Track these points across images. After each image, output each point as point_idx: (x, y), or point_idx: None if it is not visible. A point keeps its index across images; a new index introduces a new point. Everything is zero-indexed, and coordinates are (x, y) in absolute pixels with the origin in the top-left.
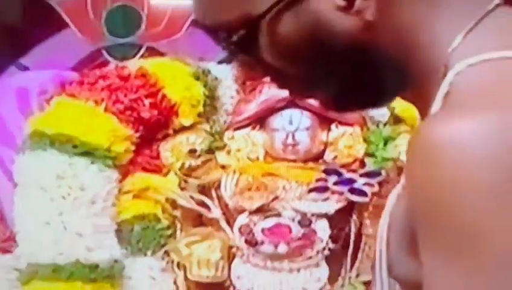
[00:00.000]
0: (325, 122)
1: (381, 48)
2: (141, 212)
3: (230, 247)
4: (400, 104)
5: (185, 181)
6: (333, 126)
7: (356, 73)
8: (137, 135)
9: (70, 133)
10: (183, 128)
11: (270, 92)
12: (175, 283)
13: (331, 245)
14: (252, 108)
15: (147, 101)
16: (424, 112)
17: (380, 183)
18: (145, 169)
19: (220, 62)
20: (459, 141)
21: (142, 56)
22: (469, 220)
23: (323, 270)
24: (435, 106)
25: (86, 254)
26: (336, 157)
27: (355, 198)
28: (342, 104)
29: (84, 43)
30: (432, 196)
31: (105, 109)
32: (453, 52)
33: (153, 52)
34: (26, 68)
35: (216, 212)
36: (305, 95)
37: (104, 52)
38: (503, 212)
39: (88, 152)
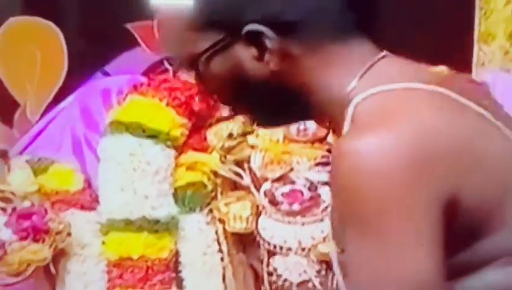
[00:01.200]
0: None
1: (286, 88)
2: (192, 181)
3: (258, 206)
4: None
5: (225, 157)
6: None
7: (267, 103)
8: (190, 123)
9: (140, 122)
10: (223, 118)
11: None
12: (216, 233)
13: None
14: None
15: (197, 98)
16: (338, 131)
17: None
18: (195, 149)
19: None
20: (360, 152)
21: None
22: (369, 208)
23: (326, 224)
24: (346, 128)
25: (151, 211)
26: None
27: None
28: (261, 122)
29: (150, 56)
30: (347, 193)
31: (167, 104)
32: (351, 91)
33: None
34: (108, 74)
35: (247, 180)
36: (236, 112)
37: (165, 62)
38: (388, 201)
39: (153, 136)
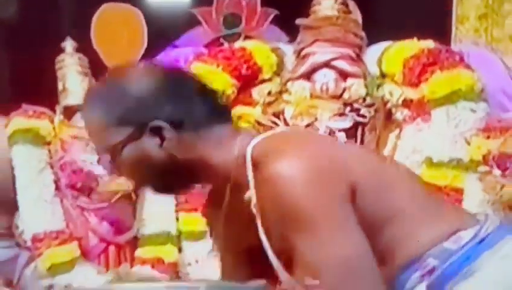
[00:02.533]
0: (343, 76)
1: (183, 164)
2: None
3: None
4: (385, 64)
5: (265, 110)
6: (348, 78)
7: (167, 177)
8: (239, 84)
9: None
10: (264, 80)
11: (312, 60)
12: None
13: None
14: (303, 69)
15: (245, 65)
16: (234, 185)
17: (374, 110)
18: (242, 103)
19: (286, 43)
20: (278, 173)
21: (243, 40)
22: (294, 209)
23: None
24: (248, 170)
25: None
26: (349, 96)
27: (359, 119)
28: (161, 192)
29: (210, 33)
30: (279, 206)
31: (222, 70)
32: (239, 153)
33: (248, 37)
34: (177, 47)
35: (282, 128)
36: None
37: (222, 39)
38: (307, 201)
39: None
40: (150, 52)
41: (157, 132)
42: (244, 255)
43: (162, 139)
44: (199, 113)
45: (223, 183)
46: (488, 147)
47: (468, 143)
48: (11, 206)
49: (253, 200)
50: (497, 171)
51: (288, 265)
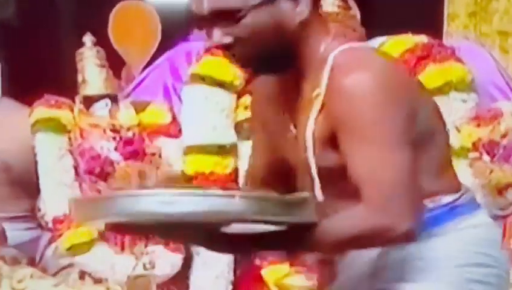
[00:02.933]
0: None
1: (298, 40)
2: (248, 117)
3: None
4: (385, 45)
5: None
6: None
7: (279, 52)
8: (247, 74)
9: (212, 74)
10: None
11: None
12: None
13: None
14: None
15: None
16: (308, 74)
17: None
18: (250, 93)
19: None
20: (359, 81)
21: None
22: (363, 117)
23: None
24: (325, 73)
25: (218, 139)
26: None
27: None
28: (261, 71)
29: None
30: (354, 109)
31: (229, 62)
32: (326, 47)
33: None
34: (189, 40)
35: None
36: (250, 68)
37: None
38: (376, 114)
39: (221, 84)
40: (163, 46)
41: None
42: (279, 164)
43: (296, 4)
44: None
45: (297, 69)
46: (478, 135)
47: (459, 131)
48: (33, 190)
49: (320, 102)
50: (486, 157)
51: (324, 185)
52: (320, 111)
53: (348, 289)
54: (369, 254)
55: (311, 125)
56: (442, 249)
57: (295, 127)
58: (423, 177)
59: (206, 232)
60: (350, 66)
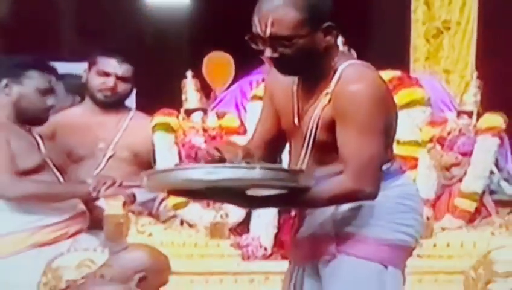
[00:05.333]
0: None
1: (321, 57)
2: None
3: None
4: None
5: None
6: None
7: (310, 64)
8: None
9: (260, 95)
10: None
11: None
12: None
13: None
14: None
15: None
16: (319, 81)
17: None
18: None
19: None
20: (364, 90)
21: None
22: (363, 114)
23: None
24: (334, 80)
25: None
26: None
27: None
28: (288, 71)
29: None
30: (352, 107)
31: None
32: (337, 62)
33: None
34: (251, 74)
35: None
36: (285, 72)
37: None
38: (371, 113)
39: None
40: (236, 78)
41: (327, 30)
42: (275, 134)
43: (329, 34)
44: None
45: (315, 75)
46: (433, 133)
47: (421, 130)
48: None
49: (327, 98)
50: (438, 147)
51: (313, 154)
52: (326, 105)
53: (311, 231)
54: (331, 209)
55: (318, 113)
56: (379, 201)
57: (299, 111)
58: None
59: (236, 194)
60: (353, 77)
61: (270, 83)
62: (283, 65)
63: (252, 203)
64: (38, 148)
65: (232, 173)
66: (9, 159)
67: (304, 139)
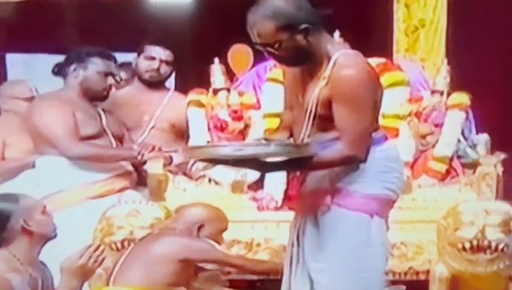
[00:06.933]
0: None
1: (309, 49)
2: None
3: None
4: None
5: None
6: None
7: (302, 57)
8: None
9: (277, 77)
10: None
11: None
12: None
13: None
14: None
15: None
16: (313, 69)
17: None
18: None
19: None
20: (356, 74)
21: None
22: (356, 94)
23: None
24: (329, 67)
25: (280, 110)
26: None
27: None
28: (287, 64)
29: None
30: (345, 88)
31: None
32: (331, 50)
33: None
34: (266, 60)
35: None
36: (280, 62)
37: None
38: (364, 93)
39: (281, 82)
40: (254, 63)
41: (303, 31)
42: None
43: (306, 34)
44: (320, 21)
45: (310, 63)
46: (411, 108)
47: (401, 105)
48: (185, 137)
49: (325, 81)
50: (415, 120)
51: (313, 125)
52: (323, 86)
53: (312, 187)
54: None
55: (316, 93)
56: (367, 163)
57: (303, 95)
58: None
59: (256, 163)
60: (346, 63)
61: (285, 69)
62: (279, 61)
63: (268, 168)
64: (100, 119)
65: (253, 150)
66: (73, 126)
67: (306, 112)
